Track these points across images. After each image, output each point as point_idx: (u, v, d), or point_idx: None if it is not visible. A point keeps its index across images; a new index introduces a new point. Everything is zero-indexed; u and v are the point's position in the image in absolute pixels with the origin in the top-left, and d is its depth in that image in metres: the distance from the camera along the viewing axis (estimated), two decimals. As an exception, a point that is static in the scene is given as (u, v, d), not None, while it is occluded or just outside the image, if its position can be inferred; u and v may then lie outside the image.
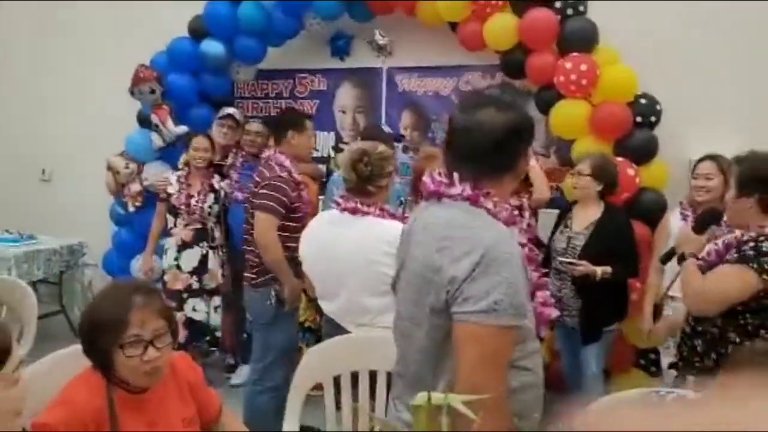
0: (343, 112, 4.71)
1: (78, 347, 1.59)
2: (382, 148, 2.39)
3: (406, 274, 1.50)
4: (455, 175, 1.42)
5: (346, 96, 4.70)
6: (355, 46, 4.62)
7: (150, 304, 1.55)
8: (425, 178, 1.49)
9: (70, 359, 1.71)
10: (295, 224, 2.97)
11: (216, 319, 3.89)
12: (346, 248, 2.28)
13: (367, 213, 2.29)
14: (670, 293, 3.00)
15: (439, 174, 1.46)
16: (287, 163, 3.04)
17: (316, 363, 2.16)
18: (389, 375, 2.14)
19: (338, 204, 2.37)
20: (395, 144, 3.96)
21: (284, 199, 2.92)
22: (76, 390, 1.52)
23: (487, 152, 1.39)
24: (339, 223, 2.34)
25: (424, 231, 1.44)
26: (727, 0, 3.62)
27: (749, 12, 3.62)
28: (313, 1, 4.07)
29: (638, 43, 3.64)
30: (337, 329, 2.37)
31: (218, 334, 3.94)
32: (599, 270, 2.93)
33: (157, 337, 1.53)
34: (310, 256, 2.48)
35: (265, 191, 2.92)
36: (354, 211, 2.31)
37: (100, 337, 1.49)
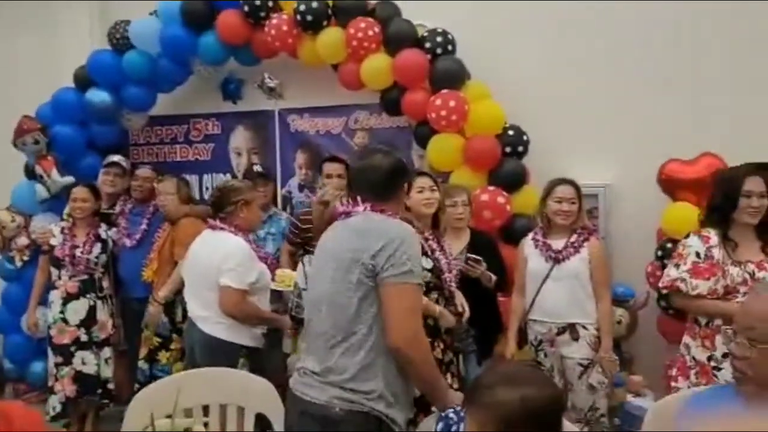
0: (238, 153, 4.76)
1: None
2: (231, 182, 3.16)
3: (325, 267, 1.96)
4: (358, 198, 2.00)
5: (240, 138, 4.75)
6: (247, 90, 4.69)
7: None
8: (337, 204, 2.15)
9: None
10: None
11: (107, 371, 3.81)
12: (206, 253, 2.93)
13: (223, 228, 2.96)
14: (531, 317, 3.12)
15: (348, 201, 2.04)
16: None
17: (147, 404, 2.13)
18: (222, 407, 2.29)
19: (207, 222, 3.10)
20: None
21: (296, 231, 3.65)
22: None
23: (377, 185, 1.98)
24: (206, 236, 3.03)
25: (342, 231, 1.97)
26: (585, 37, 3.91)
27: (609, 48, 3.89)
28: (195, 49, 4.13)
29: (507, 79, 3.84)
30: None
31: (111, 386, 3.84)
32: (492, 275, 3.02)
33: None
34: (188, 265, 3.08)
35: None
36: (213, 228, 3.00)
37: None
